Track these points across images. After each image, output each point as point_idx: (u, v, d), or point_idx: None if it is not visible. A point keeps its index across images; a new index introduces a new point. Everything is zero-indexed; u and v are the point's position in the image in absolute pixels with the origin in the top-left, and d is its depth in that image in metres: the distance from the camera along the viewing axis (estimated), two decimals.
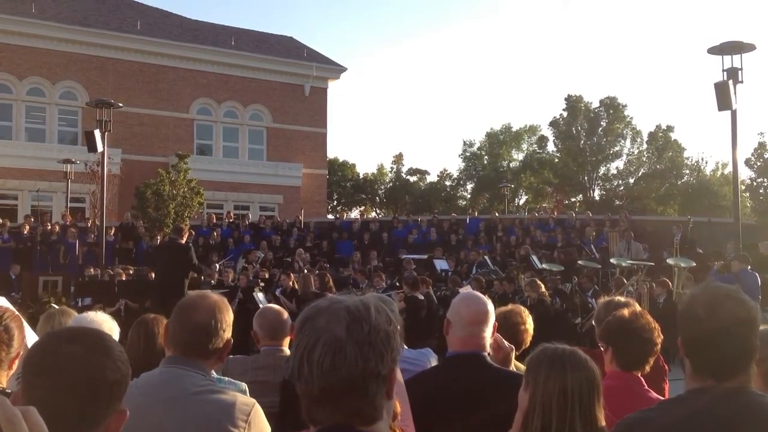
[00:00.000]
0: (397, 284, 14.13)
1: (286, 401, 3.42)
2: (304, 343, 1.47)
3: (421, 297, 11.61)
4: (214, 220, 23.64)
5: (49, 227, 20.69)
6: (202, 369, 2.56)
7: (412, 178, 53.34)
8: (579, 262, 16.67)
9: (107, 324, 3.92)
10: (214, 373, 2.86)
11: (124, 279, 15.62)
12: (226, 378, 3.25)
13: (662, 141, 48.21)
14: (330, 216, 37.58)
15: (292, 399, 1.57)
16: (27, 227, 20.55)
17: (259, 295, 13.02)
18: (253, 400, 2.59)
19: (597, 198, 48.32)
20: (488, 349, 3.10)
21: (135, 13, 35.47)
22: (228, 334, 2.65)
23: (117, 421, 1.62)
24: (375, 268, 18.49)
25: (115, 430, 1.62)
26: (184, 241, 12.74)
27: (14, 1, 31.73)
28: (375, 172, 54.17)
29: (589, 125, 47.96)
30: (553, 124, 48.87)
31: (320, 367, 1.43)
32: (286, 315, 4.19)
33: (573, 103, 47.79)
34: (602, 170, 49.22)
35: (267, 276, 16.57)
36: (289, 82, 37.36)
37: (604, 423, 2.34)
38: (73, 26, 32.14)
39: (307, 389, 1.46)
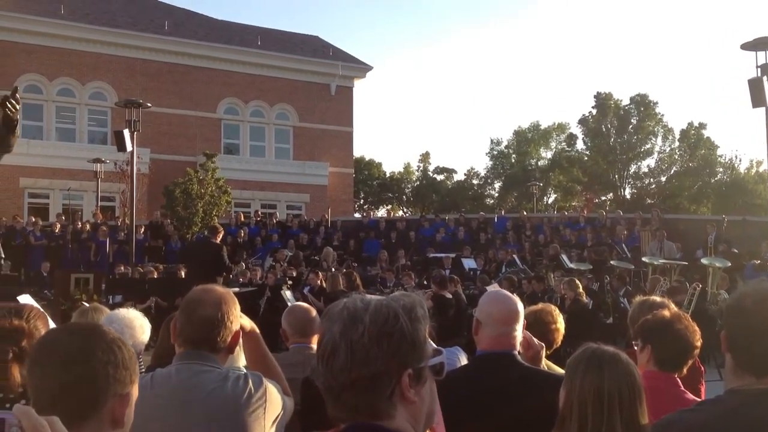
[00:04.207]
0: (426, 283, 14.09)
1: (308, 399, 3.41)
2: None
3: (449, 296, 11.54)
4: (242, 219, 23.77)
5: (80, 226, 20.95)
6: (214, 362, 2.56)
7: (439, 177, 53.24)
8: (611, 261, 16.49)
9: (139, 320, 3.94)
10: (241, 367, 2.84)
11: (155, 277, 15.74)
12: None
13: (695, 138, 47.64)
14: (357, 215, 37.61)
15: (313, 396, 1.57)
16: (59, 226, 20.84)
17: (287, 294, 13.05)
18: (260, 375, 2.61)
19: (628, 196, 47.85)
20: (518, 347, 3.07)
21: (162, 13, 35.79)
22: (236, 326, 2.63)
23: (121, 404, 1.66)
24: (402, 266, 18.47)
25: (119, 413, 1.66)
26: (218, 241, 12.83)
27: (44, 2, 32.19)
28: (401, 170, 54.19)
29: (620, 123, 47.52)
30: (583, 122, 48.50)
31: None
32: (314, 313, 4.18)
33: (603, 101, 47.39)
34: (633, 168, 48.75)
35: (295, 274, 16.63)
36: (315, 82, 37.45)
37: (646, 422, 2.29)
38: (101, 27, 32.51)
39: (320, 386, 1.52)
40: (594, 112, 47.84)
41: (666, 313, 3.17)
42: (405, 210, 51.81)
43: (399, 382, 1.47)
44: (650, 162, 48.92)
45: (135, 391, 1.71)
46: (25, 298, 3.22)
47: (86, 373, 1.62)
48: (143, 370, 4.11)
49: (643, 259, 15.96)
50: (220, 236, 13.16)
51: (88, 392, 1.61)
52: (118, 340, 1.71)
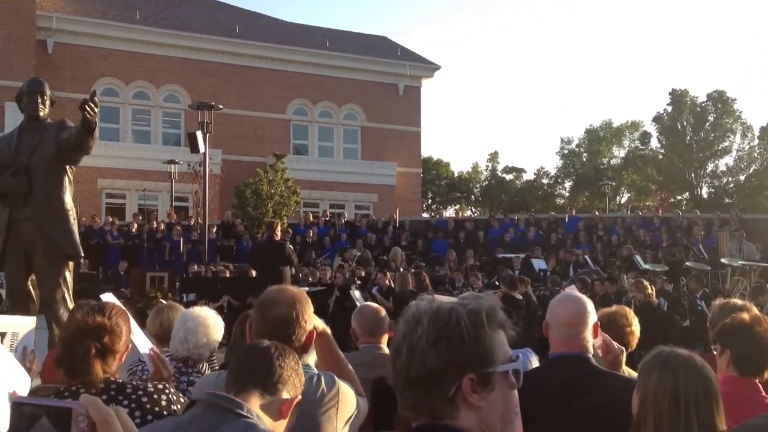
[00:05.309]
0: (495, 283, 13.98)
1: (378, 398, 3.42)
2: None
3: (519, 297, 11.42)
4: (311, 219, 24.01)
5: (155, 225, 21.48)
6: None
7: (508, 177, 52.69)
8: (687, 263, 16.03)
9: (212, 319, 4.00)
10: (313, 366, 2.86)
11: (227, 276, 16.03)
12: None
13: None
14: (425, 215, 37.56)
15: (384, 396, 1.61)
16: (135, 225, 21.42)
17: (356, 293, 13.10)
18: (332, 375, 2.65)
19: (705, 196, 46.45)
20: (592, 350, 3.01)
21: (233, 16, 36.45)
22: (310, 325, 2.66)
23: (289, 404, 2.04)
24: (471, 267, 18.35)
25: (286, 408, 2.04)
26: (278, 237, 13.03)
27: (120, 8, 33.23)
28: (470, 170, 53.85)
29: (696, 120, 46.14)
30: (657, 119, 47.29)
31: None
32: (383, 313, 4.19)
33: (678, 98, 46.14)
34: (710, 167, 47.28)
35: (363, 274, 16.71)
36: (383, 82, 37.54)
37: (724, 428, 2.21)
38: (174, 31, 33.31)
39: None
40: (669, 109, 46.62)
41: (745, 315, 3.07)
42: (473, 210, 51.47)
43: (460, 382, 1.47)
44: (728, 160, 47.44)
45: (295, 401, 2.09)
46: (107, 297, 3.31)
47: (277, 370, 2.07)
48: (216, 367, 4.20)
49: (722, 260, 15.47)
50: (278, 229, 13.33)
51: (274, 377, 2.06)
52: (300, 367, 2.17)
